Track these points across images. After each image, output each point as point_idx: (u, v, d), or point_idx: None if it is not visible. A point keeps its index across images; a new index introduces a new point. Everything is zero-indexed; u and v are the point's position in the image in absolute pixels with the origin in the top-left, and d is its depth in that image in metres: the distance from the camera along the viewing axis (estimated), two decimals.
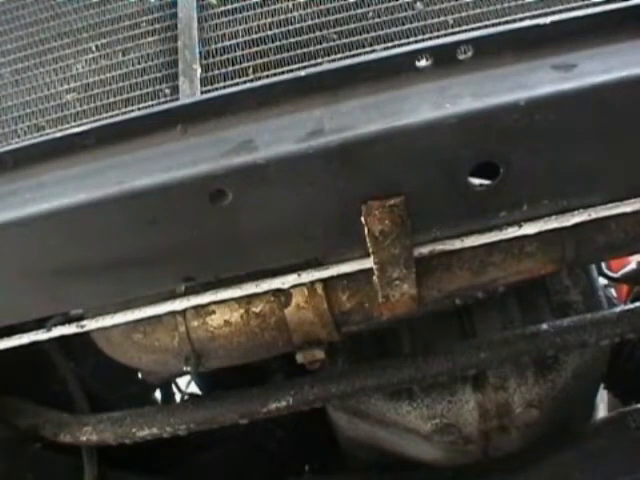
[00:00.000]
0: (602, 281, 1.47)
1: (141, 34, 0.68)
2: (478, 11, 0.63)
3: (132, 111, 0.63)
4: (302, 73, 0.57)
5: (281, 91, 0.57)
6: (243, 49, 0.65)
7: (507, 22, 0.61)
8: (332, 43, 0.63)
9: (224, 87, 0.63)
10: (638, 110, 0.56)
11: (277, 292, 0.78)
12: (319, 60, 0.63)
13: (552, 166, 0.60)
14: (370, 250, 0.63)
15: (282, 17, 0.65)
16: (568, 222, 0.67)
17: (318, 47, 0.63)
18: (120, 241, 0.61)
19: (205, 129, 0.58)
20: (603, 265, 1.46)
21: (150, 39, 0.67)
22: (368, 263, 0.68)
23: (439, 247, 0.69)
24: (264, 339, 0.81)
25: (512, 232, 0.68)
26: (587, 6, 0.60)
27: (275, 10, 0.66)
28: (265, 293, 0.78)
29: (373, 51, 0.62)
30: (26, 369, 1.03)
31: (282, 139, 0.56)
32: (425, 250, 0.68)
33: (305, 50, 0.63)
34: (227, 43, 0.65)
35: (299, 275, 0.73)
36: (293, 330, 0.80)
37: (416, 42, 0.61)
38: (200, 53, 0.65)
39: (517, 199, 0.63)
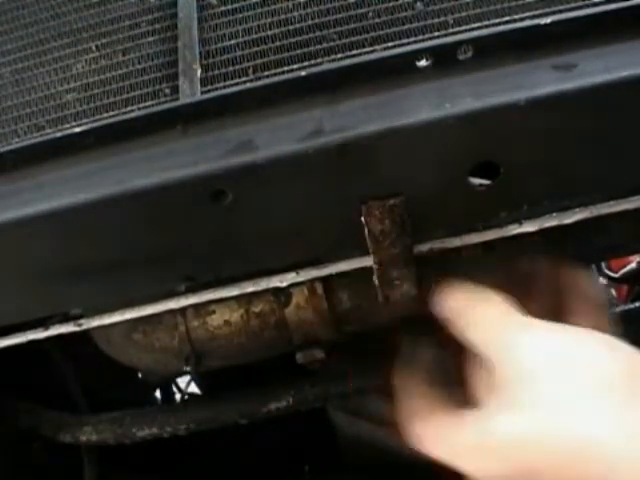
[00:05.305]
0: (602, 281, 1.47)
1: (141, 34, 0.68)
2: (478, 11, 0.63)
3: (132, 111, 0.63)
4: (302, 73, 0.57)
5: (281, 91, 0.57)
6: (243, 49, 0.65)
7: (507, 22, 0.61)
8: (332, 43, 0.63)
9: (224, 87, 0.63)
10: (638, 110, 0.56)
11: (277, 292, 0.78)
12: (319, 60, 0.63)
13: (552, 166, 0.60)
14: (370, 250, 0.63)
15: (282, 17, 0.65)
16: (569, 219, 0.67)
17: (318, 47, 0.63)
18: (120, 241, 0.61)
19: (205, 129, 0.58)
20: (603, 265, 1.46)
21: (150, 39, 0.67)
22: (366, 261, 0.68)
23: (438, 245, 0.69)
24: (264, 339, 0.81)
25: (512, 230, 0.67)
26: (587, 6, 0.60)
27: (275, 10, 0.66)
28: (265, 293, 0.78)
29: (373, 51, 0.62)
30: (26, 369, 1.03)
31: (282, 139, 0.56)
32: (424, 248, 0.68)
33: (305, 50, 0.63)
34: (227, 43, 0.65)
35: (297, 273, 0.73)
36: (293, 330, 0.80)
37: (416, 42, 0.61)
38: (200, 53, 0.65)
39: (517, 199, 0.63)
